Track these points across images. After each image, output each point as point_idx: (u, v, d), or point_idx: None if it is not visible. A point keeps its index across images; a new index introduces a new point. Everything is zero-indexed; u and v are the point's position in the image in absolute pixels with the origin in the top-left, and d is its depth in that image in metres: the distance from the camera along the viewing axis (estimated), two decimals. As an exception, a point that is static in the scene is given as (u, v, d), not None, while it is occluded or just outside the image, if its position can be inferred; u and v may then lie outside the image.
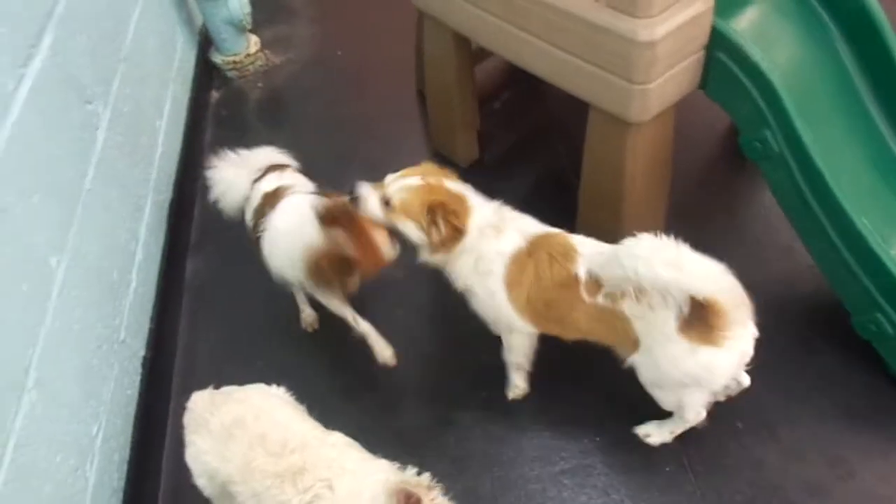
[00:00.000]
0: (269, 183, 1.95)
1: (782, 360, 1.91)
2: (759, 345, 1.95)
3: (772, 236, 2.20)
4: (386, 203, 1.65)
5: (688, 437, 1.79)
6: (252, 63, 3.08)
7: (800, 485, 1.70)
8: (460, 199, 1.66)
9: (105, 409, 1.72)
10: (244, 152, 2.07)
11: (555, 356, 1.95)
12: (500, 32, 1.91)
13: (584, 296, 1.56)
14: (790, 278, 2.11)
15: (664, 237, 1.42)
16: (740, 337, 1.51)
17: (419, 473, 1.29)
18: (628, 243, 1.45)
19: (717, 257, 2.14)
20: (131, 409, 1.86)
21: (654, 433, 1.78)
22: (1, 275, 1.39)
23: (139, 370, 1.94)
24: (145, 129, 2.31)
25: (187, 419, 1.53)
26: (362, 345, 2.09)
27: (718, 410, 1.83)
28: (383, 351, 1.95)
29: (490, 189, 2.47)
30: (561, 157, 2.54)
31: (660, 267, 1.39)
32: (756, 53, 1.67)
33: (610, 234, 2.04)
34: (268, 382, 1.61)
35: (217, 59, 3.05)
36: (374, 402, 1.97)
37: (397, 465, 1.35)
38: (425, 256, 1.71)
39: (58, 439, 1.50)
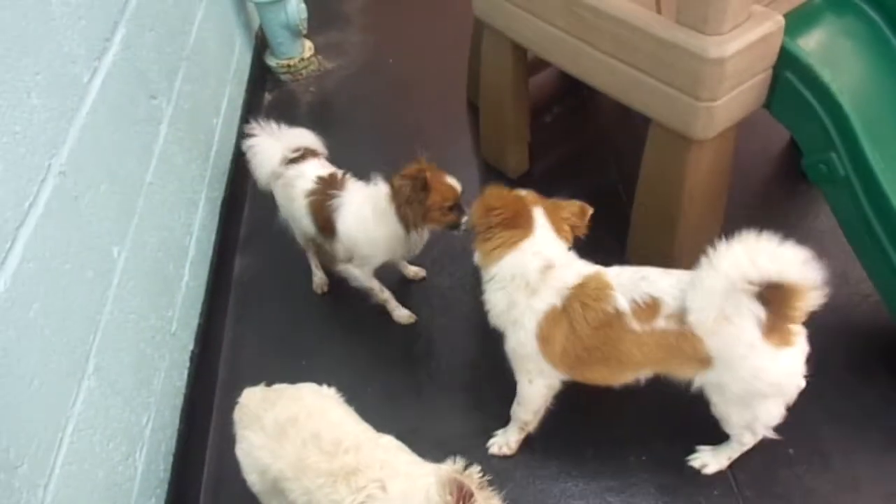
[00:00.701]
0: (316, 168, 2.04)
1: (837, 389, 1.87)
2: (814, 372, 1.92)
3: (826, 262, 2.15)
4: None
5: (737, 462, 1.75)
6: (305, 67, 3.12)
7: (855, 516, 1.66)
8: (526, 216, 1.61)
9: (155, 399, 1.74)
10: (283, 127, 2.12)
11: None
12: (565, 46, 1.91)
13: (635, 325, 1.50)
14: (846, 305, 2.06)
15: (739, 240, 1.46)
16: (803, 332, 1.52)
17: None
18: (717, 255, 1.44)
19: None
20: (178, 401, 1.88)
21: (711, 462, 1.73)
22: (70, 261, 1.42)
23: (187, 363, 1.96)
24: (203, 126, 2.35)
25: (239, 414, 1.54)
26: (407, 349, 2.10)
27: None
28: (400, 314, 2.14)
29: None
30: (611, 173, 2.53)
31: (764, 262, 1.41)
32: (826, 75, 1.65)
33: (662, 251, 2.04)
34: (312, 381, 1.62)
35: (272, 62, 3.10)
36: (416, 407, 1.96)
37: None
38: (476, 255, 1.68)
39: (112, 426, 1.52)
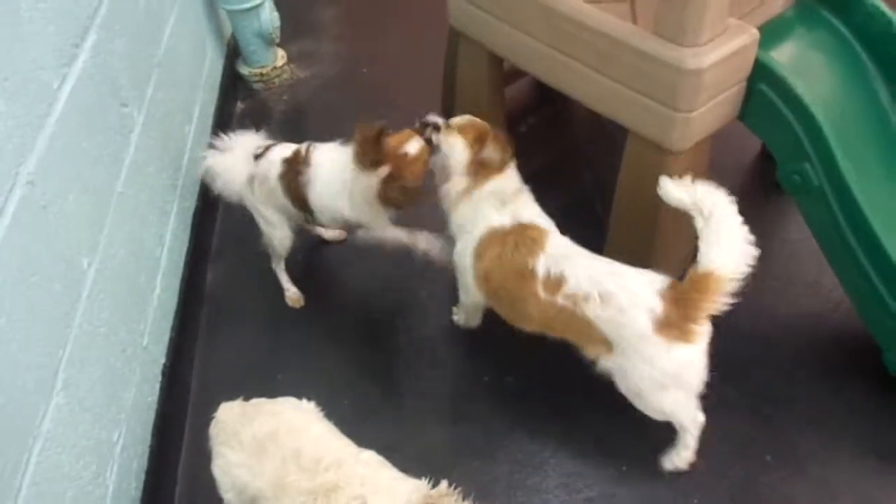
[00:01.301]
0: (281, 151, 2.01)
1: (811, 396, 1.90)
2: (787, 379, 1.95)
3: (799, 270, 2.20)
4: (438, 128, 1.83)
5: (716, 470, 1.77)
6: (278, 76, 3.08)
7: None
8: (496, 151, 1.79)
9: (126, 415, 1.68)
10: (233, 136, 2.09)
11: (580, 383, 1.94)
12: (542, 56, 1.92)
13: (540, 292, 1.64)
14: (818, 313, 2.10)
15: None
16: (706, 332, 1.56)
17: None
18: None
19: (743, 290, 2.16)
20: (150, 417, 1.82)
21: (678, 459, 1.75)
22: (37, 273, 1.37)
23: (159, 377, 1.91)
24: (175, 134, 2.30)
25: (216, 430, 1.50)
26: (386, 361, 2.08)
27: (748, 443, 1.81)
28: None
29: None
30: (587, 182, 2.54)
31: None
32: (799, 87, 1.68)
33: (639, 260, 2.04)
34: (289, 396, 1.59)
35: (244, 70, 3.06)
36: (397, 420, 1.94)
37: (429, 484, 1.32)
38: (446, 188, 1.82)
39: (81, 444, 1.47)
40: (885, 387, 1.86)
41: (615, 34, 1.70)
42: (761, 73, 1.72)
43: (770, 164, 2.09)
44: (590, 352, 1.67)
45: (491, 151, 1.77)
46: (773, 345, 2.02)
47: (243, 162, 2.04)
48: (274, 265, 2.22)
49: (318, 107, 3.03)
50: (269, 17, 2.91)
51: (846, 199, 1.70)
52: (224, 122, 2.82)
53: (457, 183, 1.81)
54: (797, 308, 2.11)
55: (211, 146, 2.08)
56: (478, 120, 1.86)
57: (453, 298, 2.11)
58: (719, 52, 1.61)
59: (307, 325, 2.19)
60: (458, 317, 2.09)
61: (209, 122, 2.68)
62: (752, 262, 1.52)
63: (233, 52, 3.10)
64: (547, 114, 2.83)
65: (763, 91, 1.73)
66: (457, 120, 1.86)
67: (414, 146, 1.82)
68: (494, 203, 1.77)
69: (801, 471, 1.77)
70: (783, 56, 1.75)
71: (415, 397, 1.99)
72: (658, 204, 1.89)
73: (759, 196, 2.46)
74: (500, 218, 1.76)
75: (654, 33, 1.64)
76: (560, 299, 1.62)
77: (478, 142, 1.78)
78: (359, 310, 2.23)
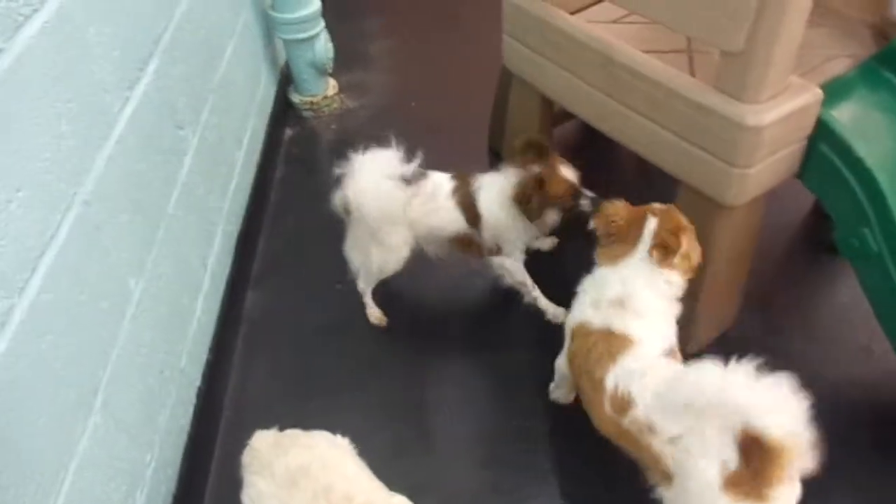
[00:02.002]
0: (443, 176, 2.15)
1: (862, 466, 1.81)
2: (836, 448, 1.87)
3: (850, 335, 2.12)
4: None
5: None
6: (328, 105, 3.13)
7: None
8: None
9: (159, 437, 1.68)
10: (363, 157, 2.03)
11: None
12: (597, 103, 1.91)
13: (608, 407, 1.50)
14: (868, 381, 2.02)
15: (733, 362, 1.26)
16: (787, 497, 1.32)
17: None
18: (697, 367, 1.32)
19: (789, 353, 2.10)
20: (182, 440, 1.82)
21: None
22: (86, 292, 1.39)
23: (193, 400, 1.91)
24: (225, 159, 2.33)
25: (248, 458, 1.48)
26: (420, 396, 2.05)
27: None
28: (556, 311, 2.18)
29: (559, 254, 2.46)
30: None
31: (735, 389, 1.23)
32: (861, 149, 1.64)
33: (684, 314, 2.00)
34: (320, 426, 1.57)
35: (295, 98, 3.11)
36: (426, 461, 1.90)
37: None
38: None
39: (114, 465, 1.46)
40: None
41: (673, 85, 1.68)
42: (822, 133, 1.68)
43: (822, 222, 2.05)
44: (651, 476, 1.51)
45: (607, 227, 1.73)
46: (821, 414, 1.94)
47: (385, 181, 1.98)
48: (363, 285, 2.23)
49: (366, 137, 2.98)
50: (324, 48, 2.96)
51: (908, 269, 1.64)
52: (273, 148, 2.86)
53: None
54: (849, 374, 2.03)
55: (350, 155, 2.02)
56: (644, 208, 1.73)
57: (492, 338, 2.08)
58: (780, 110, 1.58)
59: (343, 354, 2.17)
60: (553, 388, 1.99)
61: (259, 147, 2.72)
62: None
63: (285, 80, 3.16)
64: (593, 157, 2.81)
65: (824, 152, 1.69)
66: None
67: (571, 175, 2.01)
68: (591, 299, 1.67)
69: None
70: (845, 116, 1.72)
71: (446, 436, 1.96)
72: (707, 257, 1.86)
73: (809, 255, 2.40)
74: (591, 313, 1.64)
75: (714, 87, 1.62)
76: (626, 422, 1.47)
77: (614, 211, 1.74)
78: (396, 343, 2.22)
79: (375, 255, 2.10)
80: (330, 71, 3.10)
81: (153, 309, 1.69)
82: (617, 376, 1.50)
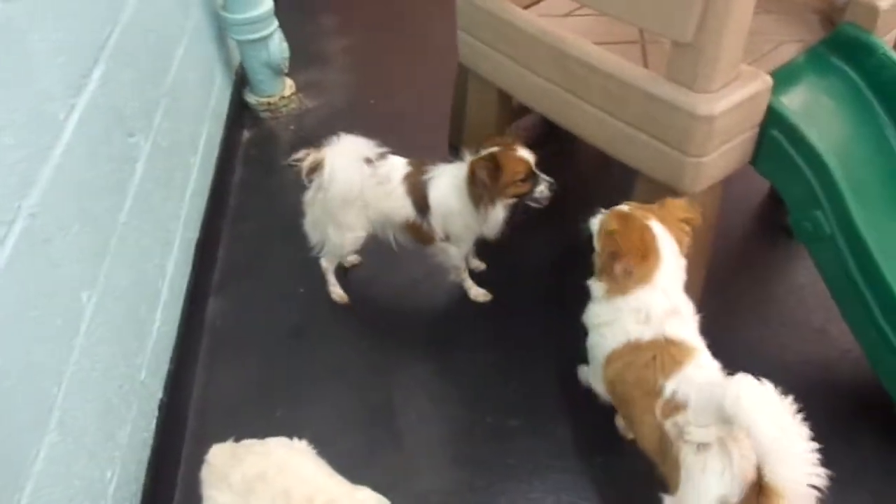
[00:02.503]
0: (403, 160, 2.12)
1: (821, 447, 1.85)
2: (797, 429, 1.91)
3: (806, 317, 2.17)
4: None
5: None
6: (286, 105, 3.09)
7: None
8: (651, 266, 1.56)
9: (121, 453, 1.64)
10: (344, 139, 2.06)
11: (588, 429, 1.91)
12: (553, 97, 1.91)
13: (658, 412, 1.45)
14: (825, 361, 2.06)
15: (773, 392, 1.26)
16: None
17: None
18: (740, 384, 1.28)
19: (749, 335, 2.13)
20: (145, 455, 1.78)
21: None
22: (36, 308, 1.35)
23: (155, 413, 1.87)
24: (180, 164, 2.28)
25: (206, 473, 1.45)
26: (387, 399, 2.04)
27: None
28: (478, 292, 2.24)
29: (521, 249, 2.46)
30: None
31: (763, 420, 1.23)
32: (812, 134, 1.67)
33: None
34: (287, 434, 1.55)
35: (251, 99, 3.06)
36: (396, 461, 1.89)
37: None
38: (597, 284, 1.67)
39: (74, 484, 1.42)
40: (894, 437, 1.81)
41: (627, 78, 1.69)
42: (774, 120, 1.71)
43: (778, 206, 2.08)
44: (669, 483, 1.48)
45: (626, 267, 1.54)
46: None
47: (358, 163, 2.03)
48: (325, 264, 2.25)
49: (325, 136, 2.99)
50: (279, 48, 2.92)
51: (858, 247, 1.68)
52: (230, 151, 2.81)
53: (596, 284, 1.67)
54: (805, 355, 2.07)
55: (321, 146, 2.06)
56: (640, 218, 1.61)
57: (457, 338, 2.08)
58: (732, 99, 1.60)
59: (309, 359, 2.15)
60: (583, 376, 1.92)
61: (215, 151, 2.67)
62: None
63: (241, 81, 3.11)
64: (553, 150, 2.81)
65: (775, 137, 1.72)
66: (620, 209, 1.68)
67: (527, 154, 1.94)
68: (637, 318, 1.56)
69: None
70: (795, 103, 1.75)
71: (416, 437, 1.95)
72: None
73: (766, 239, 2.45)
74: (639, 330, 1.55)
75: (666, 78, 1.63)
76: (668, 424, 1.43)
77: (616, 242, 1.57)
78: (361, 346, 2.20)
79: (332, 234, 2.12)
80: (286, 71, 3.06)
81: (108, 322, 1.65)
82: (679, 381, 1.45)
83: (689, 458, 1.36)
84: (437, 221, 2.06)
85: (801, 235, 1.78)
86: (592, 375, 1.75)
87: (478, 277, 2.33)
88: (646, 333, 1.54)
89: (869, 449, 1.85)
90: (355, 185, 2.02)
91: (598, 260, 1.65)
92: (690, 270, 2.01)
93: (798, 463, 1.22)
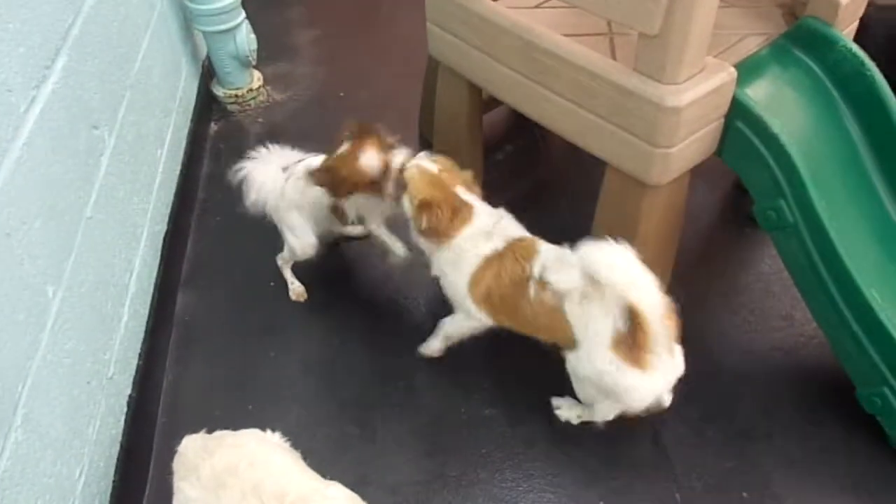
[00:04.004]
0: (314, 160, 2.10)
1: (785, 431, 1.90)
2: (763, 414, 1.96)
3: (772, 304, 2.22)
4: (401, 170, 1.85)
5: (692, 507, 1.76)
6: (254, 98, 3.05)
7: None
8: (459, 206, 1.79)
9: (89, 449, 1.62)
10: (269, 149, 2.19)
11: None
12: (522, 89, 1.92)
13: (531, 291, 1.69)
14: (791, 347, 2.11)
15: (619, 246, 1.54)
16: (665, 364, 1.59)
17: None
18: (590, 246, 1.57)
19: (717, 323, 2.17)
20: (114, 451, 1.75)
21: (565, 409, 1.91)
22: (0, 303, 1.32)
23: (124, 409, 1.84)
24: (146, 157, 2.25)
25: (177, 464, 1.44)
26: (361, 392, 2.03)
27: (724, 479, 1.81)
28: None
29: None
30: (564, 212, 2.54)
31: (607, 269, 1.53)
32: (776, 125, 1.70)
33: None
34: (260, 427, 1.54)
35: (219, 91, 3.02)
36: (370, 454, 1.89)
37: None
38: (414, 236, 1.88)
39: (41, 482, 1.40)
40: (857, 422, 1.87)
41: (595, 69, 1.71)
42: (738, 111, 1.74)
43: (743, 197, 2.12)
44: (566, 348, 1.73)
45: (436, 219, 1.76)
46: (748, 380, 2.03)
47: (277, 173, 2.12)
48: (281, 264, 2.29)
49: (294, 130, 2.99)
50: (246, 39, 2.88)
51: (820, 236, 1.72)
52: (197, 144, 2.77)
53: (416, 236, 1.87)
54: (773, 341, 2.12)
55: (247, 158, 2.16)
56: (438, 165, 1.84)
57: (431, 330, 2.09)
58: (698, 90, 1.63)
59: (279, 353, 2.14)
60: (428, 347, 2.08)
61: (182, 144, 2.63)
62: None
63: (207, 74, 3.06)
64: (525, 142, 2.84)
65: (740, 129, 1.75)
66: (414, 165, 1.85)
67: (370, 158, 1.90)
68: (479, 240, 1.79)
69: (779, 506, 1.77)
70: (759, 94, 1.78)
71: (387, 429, 1.95)
72: (636, 236, 1.91)
73: (733, 229, 2.49)
74: (490, 245, 1.77)
75: (635, 70, 1.65)
76: (549, 295, 1.67)
77: (422, 205, 1.77)
78: (333, 340, 2.19)
79: (290, 240, 2.18)
80: (254, 63, 3.02)
81: (75, 317, 1.62)
82: (542, 260, 1.72)
83: (575, 312, 1.62)
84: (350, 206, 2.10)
85: (765, 224, 1.81)
86: (463, 312, 1.89)
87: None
88: (496, 244, 1.77)
89: (834, 433, 1.90)
90: (276, 191, 2.11)
91: (414, 220, 1.83)
92: (658, 260, 2.05)
93: (649, 291, 1.52)
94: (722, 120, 1.77)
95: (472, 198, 1.83)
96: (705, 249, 2.44)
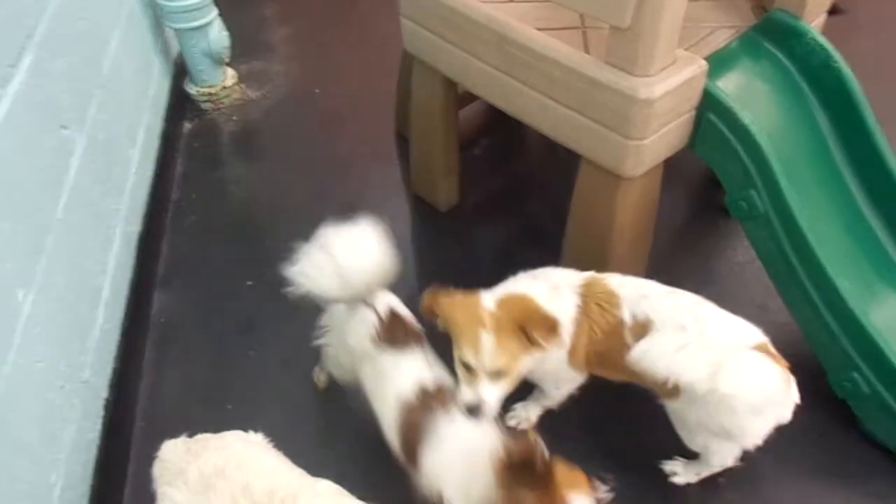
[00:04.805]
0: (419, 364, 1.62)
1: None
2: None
3: (746, 294, 2.24)
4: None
5: (671, 493, 1.78)
6: (227, 96, 3.02)
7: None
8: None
9: (65, 455, 1.60)
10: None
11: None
12: (496, 83, 1.92)
13: (629, 339, 1.55)
14: (766, 334, 2.14)
15: None
16: (779, 403, 1.54)
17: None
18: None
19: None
20: (91, 456, 1.73)
21: (681, 472, 1.77)
22: (-32, 308, 1.30)
23: (101, 413, 1.82)
24: (118, 157, 2.22)
25: (159, 469, 1.43)
26: (340, 390, 2.03)
27: (701, 467, 1.83)
28: None
29: (470, 235, 2.48)
30: (541, 207, 2.56)
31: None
32: (746, 117, 1.72)
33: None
34: (239, 427, 1.53)
35: (192, 89, 2.98)
36: (353, 449, 1.88)
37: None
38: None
39: (15, 489, 1.38)
40: (829, 408, 1.90)
41: (569, 62, 1.72)
42: (709, 103, 1.76)
43: (717, 188, 2.15)
44: (663, 398, 1.62)
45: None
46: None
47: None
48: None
49: (270, 128, 2.98)
50: (219, 36, 2.85)
51: (790, 226, 1.75)
52: (171, 143, 2.74)
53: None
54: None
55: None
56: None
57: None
58: (670, 82, 1.64)
59: (258, 353, 2.12)
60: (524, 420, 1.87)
61: (155, 144, 2.60)
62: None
63: (180, 72, 3.02)
64: (501, 137, 2.84)
65: (711, 120, 1.77)
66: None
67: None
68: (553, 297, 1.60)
69: (754, 492, 1.79)
70: (730, 86, 1.80)
71: (370, 423, 1.94)
72: (611, 228, 1.93)
73: (707, 220, 2.52)
74: (568, 305, 1.60)
75: (606, 62, 1.66)
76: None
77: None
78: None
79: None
80: (227, 60, 2.99)
81: (47, 320, 1.60)
82: (628, 305, 1.58)
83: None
84: None
85: (737, 214, 1.84)
86: (564, 381, 1.75)
87: (428, 267, 2.34)
88: (571, 301, 1.61)
89: (806, 419, 1.92)
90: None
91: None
92: (634, 252, 2.08)
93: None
94: (693, 112, 1.79)
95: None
96: (680, 241, 2.47)
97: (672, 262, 2.34)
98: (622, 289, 1.62)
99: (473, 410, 1.48)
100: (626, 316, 1.57)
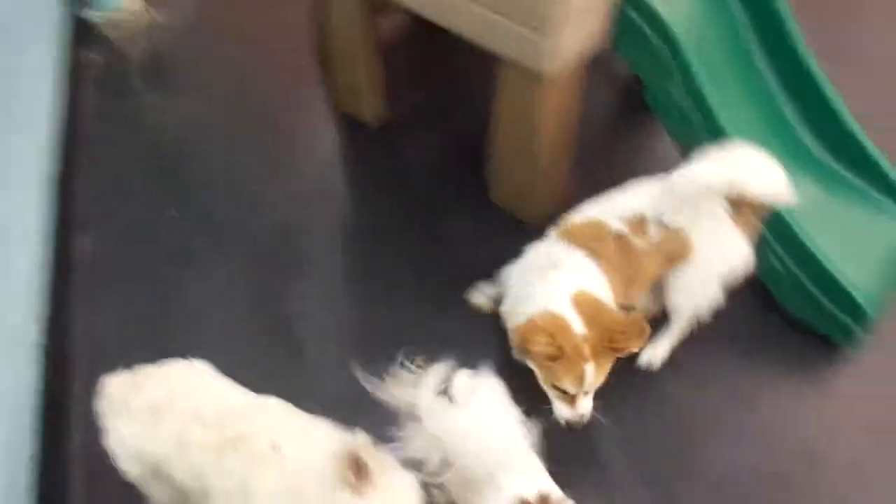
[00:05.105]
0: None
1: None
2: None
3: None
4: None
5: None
6: (134, 21, 2.83)
7: (704, 411, 1.89)
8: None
9: (4, 405, 1.57)
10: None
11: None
12: (412, -13, 1.87)
13: (637, 241, 1.65)
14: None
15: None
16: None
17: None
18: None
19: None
20: (34, 402, 1.71)
21: (657, 354, 1.90)
22: None
23: (40, 360, 1.78)
24: (20, 94, 2.09)
25: (103, 405, 1.42)
26: (283, 313, 2.03)
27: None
28: None
29: (400, 151, 2.46)
30: (470, 115, 2.53)
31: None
32: (664, 12, 1.74)
33: (522, 189, 2.11)
34: (185, 359, 1.53)
35: (92, 16, 2.78)
36: (301, 373, 1.91)
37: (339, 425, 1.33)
38: None
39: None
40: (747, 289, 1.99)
41: (482, -39, 1.68)
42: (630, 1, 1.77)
43: (639, 87, 2.17)
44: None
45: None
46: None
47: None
48: None
49: (183, 55, 2.82)
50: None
51: (707, 117, 1.81)
52: (77, 75, 2.57)
53: None
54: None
55: None
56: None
57: (348, 246, 2.06)
58: (585, -23, 1.63)
59: (193, 282, 2.09)
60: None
61: (59, 77, 2.44)
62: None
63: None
64: (424, 46, 2.78)
65: (632, 17, 1.79)
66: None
67: None
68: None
69: (677, 371, 1.93)
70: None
71: (317, 349, 1.96)
72: (535, 131, 1.94)
73: (630, 119, 2.57)
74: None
75: (520, -42, 1.63)
76: (653, 232, 1.68)
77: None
78: (247, 262, 2.15)
79: None
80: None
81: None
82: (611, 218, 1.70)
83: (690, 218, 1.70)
84: None
85: (656, 107, 1.88)
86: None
87: (359, 182, 2.32)
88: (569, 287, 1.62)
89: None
90: None
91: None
92: (558, 151, 2.10)
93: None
94: (610, 7, 1.79)
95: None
96: (604, 139, 2.52)
97: (594, 162, 2.37)
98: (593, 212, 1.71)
99: (574, 424, 1.57)
100: (616, 226, 1.66)
